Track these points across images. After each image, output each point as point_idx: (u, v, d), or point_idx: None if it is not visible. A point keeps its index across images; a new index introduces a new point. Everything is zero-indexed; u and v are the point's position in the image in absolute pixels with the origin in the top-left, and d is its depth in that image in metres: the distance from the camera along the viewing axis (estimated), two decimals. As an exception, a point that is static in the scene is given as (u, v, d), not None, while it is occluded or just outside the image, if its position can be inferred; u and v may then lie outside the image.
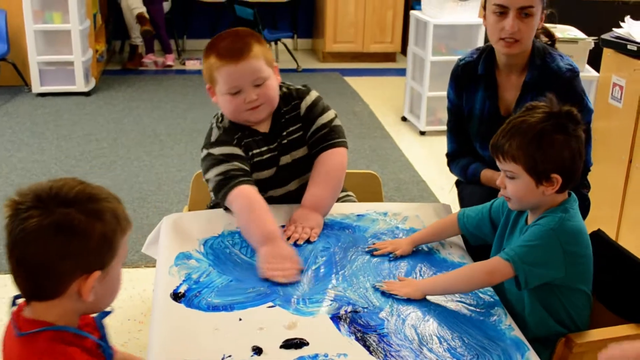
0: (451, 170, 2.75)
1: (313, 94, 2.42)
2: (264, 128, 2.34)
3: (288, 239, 2.15)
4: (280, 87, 2.38)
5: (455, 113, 2.65)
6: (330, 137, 2.36)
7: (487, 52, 2.53)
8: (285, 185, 2.41)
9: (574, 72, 2.41)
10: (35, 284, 1.27)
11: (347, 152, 2.39)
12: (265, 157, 2.34)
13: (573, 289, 1.84)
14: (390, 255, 2.08)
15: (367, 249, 2.13)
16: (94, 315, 1.43)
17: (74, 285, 1.28)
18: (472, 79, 2.55)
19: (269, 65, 2.26)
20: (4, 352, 1.36)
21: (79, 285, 1.28)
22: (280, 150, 2.36)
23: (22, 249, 1.24)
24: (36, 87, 6.33)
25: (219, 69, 2.21)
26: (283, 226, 2.24)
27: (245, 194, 2.19)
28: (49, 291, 1.28)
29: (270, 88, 2.26)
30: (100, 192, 1.33)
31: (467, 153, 2.65)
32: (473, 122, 2.57)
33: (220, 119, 2.35)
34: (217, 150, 2.27)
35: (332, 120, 2.39)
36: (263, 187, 2.34)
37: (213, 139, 2.31)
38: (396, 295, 1.86)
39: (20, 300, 1.36)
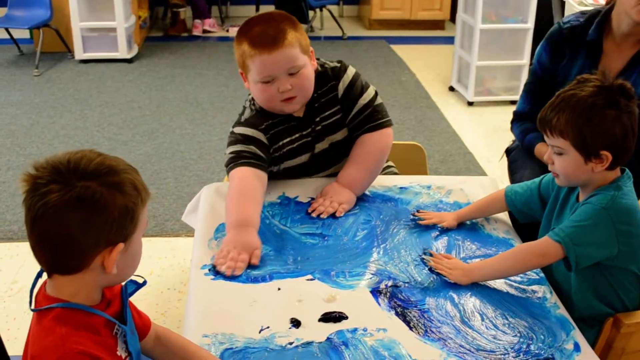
0: (512, 129, 2.71)
1: (350, 72, 2.33)
2: (298, 113, 2.28)
3: (313, 211, 2.16)
4: (319, 67, 2.31)
5: (540, 76, 2.58)
6: (374, 118, 2.30)
7: (600, 17, 2.44)
8: (322, 172, 2.39)
9: None
10: (59, 258, 1.27)
11: (389, 131, 2.33)
12: (296, 144, 2.30)
13: (623, 269, 1.80)
14: (438, 227, 2.08)
15: (411, 216, 2.13)
16: (126, 285, 1.44)
17: (97, 258, 1.28)
18: (576, 44, 2.47)
19: (304, 52, 2.17)
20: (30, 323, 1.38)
21: (103, 258, 1.28)
22: (315, 137, 2.31)
23: (45, 224, 1.23)
24: (79, 54, 6.40)
25: (252, 57, 2.13)
26: (312, 198, 2.25)
27: (243, 177, 2.16)
28: (74, 265, 1.28)
29: (305, 77, 2.18)
30: (118, 164, 1.32)
31: (535, 118, 2.59)
32: (563, 88, 2.51)
33: (254, 100, 2.31)
34: (239, 130, 2.26)
35: (373, 100, 2.32)
36: (298, 175, 2.35)
37: (242, 118, 2.29)
38: (444, 276, 1.84)
39: (44, 277, 1.37)
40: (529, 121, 2.59)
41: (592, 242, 1.74)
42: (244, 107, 2.32)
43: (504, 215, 2.17)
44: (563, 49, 2.50)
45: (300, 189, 2.29)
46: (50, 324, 1.28)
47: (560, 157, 1.79)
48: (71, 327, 1.28)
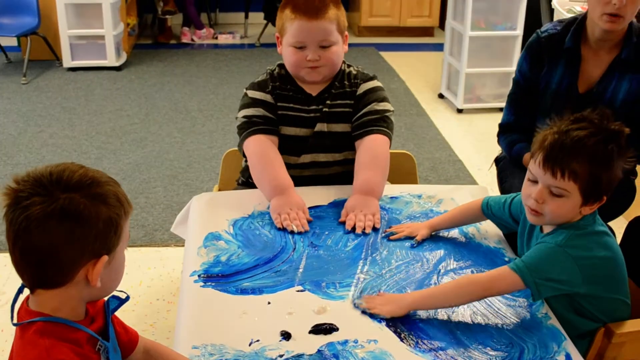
0: (498, 142, 2.72)
1: (378, 83, 2.45)
2: (313, 91, 2.39)
3: (353, 229, 2.11)
4: (350, 66, 2.45)
5: (522, 86, 2.59)
6: (380, 124, 2.36)
7: (576, 26, 2.45)
8: (311, 153, 2.41)
9: None
10: (43, 272, 1.26)
11: (388, 142, 2.37)
12: (298, 114, 2.39)
13: (603, 298, 1.77)
14: (412, 243, 2.06)
15: (384, 233, 2.11)
16: (108, 300, 1.42)
17: (82, 271, 1.27)
18: (555, 52, 2.49)
19: (340, 31, 2.31)
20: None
21: (87, 271, 1.27)
22: (320, 117, 2.38)
23: (27, 238, 1.21)
24: (67, 62, 6.38)
25: (292, 20, 2.27)
26: (316, 207, 2.23)
27: (260, 145, 2.31)
28: (58, 279, 1.27)
29: (334, 53, 2.30)
30: (101, 176, 1.30)
31: (520, 129, 2.60)
32: (546, 96, 2.52)
33: (275, 68, 2.44)
34: (250, 93, 2.39)
35: (387, 111, 2.39)
36: (295, 151, 2.40)
37: (256, 81, 2.43)
38: (378, 315, 1.72)
39: (26, 292, 1.35)
40: (514, 132, 2.60)
41: (550, 277, 1.70)
42: (265, 72, 2.45)
43: (495, 226, 2.16)
44: (542, 58, 2.51)
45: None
46: (33, 337, 1.26)
47: (556, 199, 1.72)
48: (54, 339, 1.27)
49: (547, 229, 1.83)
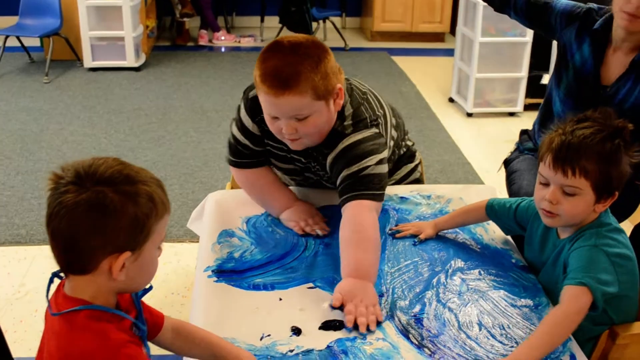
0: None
1: (352, 138, 2.04)
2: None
3: (355, 327, 1.70)
4: (340, 118, 2.06)
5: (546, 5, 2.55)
6: (355, 188, 1.99)
7: (608, 17, 2.41)
8: (306, 187, 2.36)
9: None
10: (67, 258, 1.29)
11: (373, 205, 1.99)
12: (283, 154, 2.20)
13: (621, 296, 1.75)
14: (415, 240, 2.06)
15: (389, 231, 2.11)
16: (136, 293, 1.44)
17: (104, 262, 1.28)
18: (587, 27, 2.44)
19: (319, 97, 1.91)
20: (45, 326, 1.37)
21: (110, 263, 1.28)
22: (303, 169, 2.24)
23: (57, 222, 1.25)
24: (88, 62, 6.40)
25: (260, 90, 1.93)
26: (325, 207, 2.22)
27: (245, 177, 2.25)
28: (81, 266, 1.29)
29: (312, 125, 1.95)
30: (138, 175, 1.31)
31: None
32: (569, 72, 2.47)
33: None
34: (243, 114, 2.17)
35: (363, 168, 2.00)
36: (283, 172, 2.33)
37: (250, 94, 2.15)
38: None
39: (58, 280, 1.37)
40: None
41: (603, 279, 1.67)
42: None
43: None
44: (575, 19, 2.46)
45: (305, 199, 2.28)
46: (86, 322, 1.29)
47: (570, 198, 1.70)
48: (107, 323, 1.30)
49: (564, 234, 1.82)
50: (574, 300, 1.64)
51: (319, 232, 2.10)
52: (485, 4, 2.76)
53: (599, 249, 1.70)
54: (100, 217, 1.24)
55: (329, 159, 2.07)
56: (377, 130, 2.08)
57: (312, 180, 2.30)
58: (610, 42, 2.39)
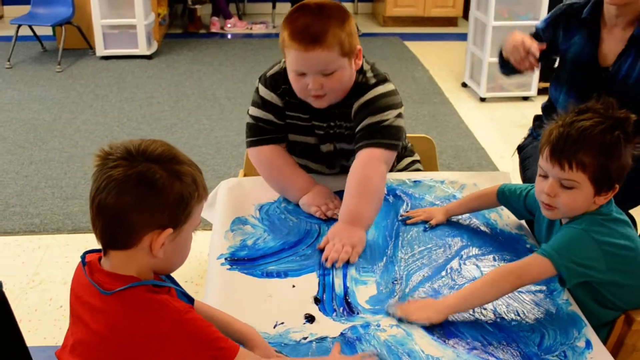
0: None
1: (377, 91, 2.16)
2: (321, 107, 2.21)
3: (326, 260, 1.87)
4: (360, 72, 2.18)
5: (533, 35, 2.54)
6: (371, 136, 2.11)
7: (595, 1, 2.42)
8: (321, 164, 2.37)
9: None
10: (111, 231, 1.32)
11: (384, 154, 2.10)
12: (305, 124, 2.26)
13: (624, 285, 1.73)
14: (426, 225, 2.05)
15: (400, 217, 2.10)
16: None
17: (146, 238, 1.31)
18: (572, 20, 2.46)
19: (344, 54, 2.04)
20: (78, 310, 1.38)
21: (151, 239, 1.31)
22: (324, 137, 2.28)
23: (105, 195, 1.28)
24: (100, 50, 6.41)
25: (288, 48, 2.04)
26: (341, 191, 2.22)
27: (263, 155, 2.25)
28: (123, 240, 1.32)
29: (337, 80, 2.07)
30: (183, 157, 1.38)
31: None
32: (566, 66, 2.50)
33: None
34: (262, 90, 2.24)
35: (384, 120, 2.12)
36: (304, 154, 2.34)
37: (269, 73, 2.25)
38: (416, 321, 1.64)
39: (91, 256, 1.40)
40: None
41: (578, 261, 1.66)
42: (280, 61, 2.26)
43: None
44: (558, 23, 2.50)
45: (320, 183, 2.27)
46: (146, 296, 1.32)
47: (569, 191, 1.68)
48: (165, 295, 1.35)
49: (565, 221, 1.80)
50: (525, 265, 1.69)
51: (335, 216, 2.08)
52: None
53: (586, 234, 1.68)
54: (148, 192, 1.29)
55: (355, 106, 2.16)
56: (394, 87, 2.21)
57: (329, 152, 2.31)
58: (604, 23, 2.38)
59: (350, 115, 2.19)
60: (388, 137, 2.11)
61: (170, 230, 1.32)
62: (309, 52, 2.00)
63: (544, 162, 1.71)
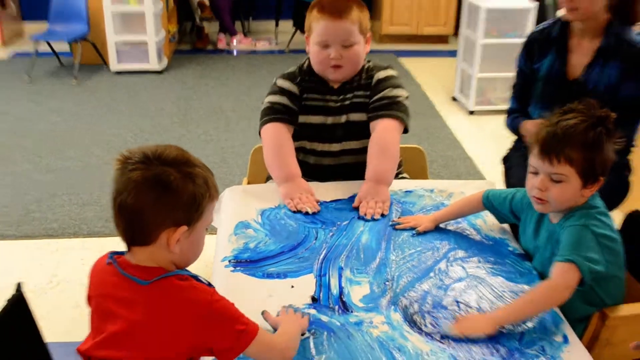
0: (506, 123, 2.76)
1: (392, 72, 2.43)
2: (335, 84, 2.40)
3: (364, 216, 2.14)
4: (369, 61, 2.42)
5: (521, 76, 2.66)
6: (391, 108, 2.33)
7: (561, 21, 2.48)
8: (328, 142, 2.42)
9: None
10: (131, 228, 1.38)
11: (399, 126, 2.33)
12: (320, 103, 2.40)
13: (608, 277, 1.77)
14: (413, 232, 2.07)
15: (390, 223, 2.12)
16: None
17: (163, 235, 1.37)
18: (545, 43, 2.52)
19: (362, 32, 2.30)
20: (103, 304, 1.43)
21: (168, 235, 1.37)
22: (338, 109, 2.39)
23: (125, 196, 1.34)
24: (113, 66, 6.44)
25: (317, 20, 2.27)
26: (336, 200, 2.25)
27: (275, 132, 2.34)
28: (142, 237, 1.38)
29: (355, 53, 2.30)
30: (195, 161, 1.43)
31: (523, 112, 2.67)
32: (537, 82, 2.55)
33: (305, 61, 2.44)
34: (280, 82, 2.42)
35: (398, 96, 2.36)
36: (312, 136, 2.42)
37: (287, 72, 2.44)
38: (472, 335, 1.60)
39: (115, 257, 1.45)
40: (517, 113, 2.67)
41: (590, 256, 1.69)
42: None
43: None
44: (533, 50, 2.56)
45: (316, 191, 2.30)
46: (179, 283, 1.39)
47: (558, 185, 1.74)
48: (193, 281, 1.41)
49: (555, 219, 1.84)
50: (561, 275, 1.67)
51: (309, 210, 2.17)
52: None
53: (587, 229, 1.72)
54: (163, 192, 1.34)
55: (376, 78, 2.38)
56: None
57: (339, 126, 2.40)
58: (572, 39, 2.43)
59: (360, 88, 2.38)
60: (403, 111, 2.34)
61: (184, 228, 1.38)
62: (335, 22, 2.24)
63: (534, 160, 1.77)
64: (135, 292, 1.39)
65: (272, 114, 2.37)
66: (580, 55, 2.42)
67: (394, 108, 2.33)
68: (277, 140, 2.34)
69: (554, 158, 1.72)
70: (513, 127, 2.68)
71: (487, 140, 5.00)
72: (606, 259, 1.73)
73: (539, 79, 2.52)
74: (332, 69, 2.32)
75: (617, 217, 2.25)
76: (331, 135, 2.42)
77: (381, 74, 2.39)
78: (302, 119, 2.41)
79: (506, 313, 1.65)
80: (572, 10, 2.34)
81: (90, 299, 1.48)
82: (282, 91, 2.39)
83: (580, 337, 1.74)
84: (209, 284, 1.46)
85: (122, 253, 1.45)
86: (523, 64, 2.62)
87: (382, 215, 2.15)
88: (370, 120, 2.35)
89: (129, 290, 1.39)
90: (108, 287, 1.43)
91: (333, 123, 2.41)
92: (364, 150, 2.35)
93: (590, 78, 2.37)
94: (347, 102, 2.39)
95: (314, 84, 2.40)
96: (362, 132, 2.38)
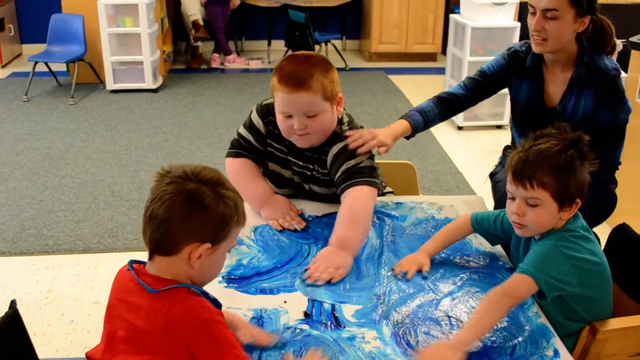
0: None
1: (344, 142, 2.17)
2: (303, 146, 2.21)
3: (308, 278, 1.85)
4: (339, 123, 2.20)
5: (482, 75, 2.54)
6: (354, 177, 2.12)
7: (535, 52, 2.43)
8: (294, 189, 2.35)
9: (618, 71, 2.31)
10: (158, 237, 1.38)
11: (371, 191, 2.11)
12: (282, 155, 2.28)
13: (588, 298, 1.74)
14: (424, 274, 1.90)
15: (394, 273, 1.92)
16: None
17: (186, 248, 1.38)
18: (519, 70, 2.45)
19: (327, 99, 2.08)
20: (113, 312, 1.44)
21: (190, 250, 1.38)
22: (301, 175, 2.29)
23: (158, 205, 1.36)
24: (110, 85, 6.42)
25: (276, 90, 2.08)
26: (330, 214, 2.21)
27: (238, 165, 2.29)
28: (167, 247, 1.39)
29: (320, 122, 2.10)
30: (229, 185, 1.45)
31: (459, 104, 2.68)
32: (517, 110, 2.51)
33: None
34: (254, 116, 2.29)
35: (359, 163, 2.14)
36: (280, 184, 2.33)
37: (265, 102, 2.28)
38: None
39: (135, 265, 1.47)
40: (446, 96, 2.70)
41: (553, 275, 1.67)
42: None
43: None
44: (509, 70, 2.48)
45: (307, 206, 2.27)
46: (187, 296, 1.39)
47: (534, 209, 1.70)
48: (202, 297, 1.42)
49: (537, 237, 1.80)
50: (512, 285, 1.67)
51: (297, 227, 2.13)
52: None
53: (556, 249, 1.69)
54: (195, 208, 1.37)
55: (330, 155, 2.18)
56: None
57: (301, 188, 2.32)
58: (546, 68, 2.40)
59: (326, 162, 2.20)
60: (367, 175, 2.13)
61: (208, 245, 1.39)
62: (294, 95, 2.04)
63: (509, 185, 1.74)
64: (143, 298, 1.39)
65: (239, 148, 2.31)
66: (555, 85, 2.39)
67: (356, 176, 2.12)
68: (240, 170, 2.28)
69: (527, 182, 1.68)
70: (420, 107, 2.71)
71: (475, 155, 4.99)
72: (582, 282, 1.69)
73: (518, 109, 2.49)
74: (297, 136, 2.14)
75: (604, 230, 2.24)
76: (296, 187, 2.33)
77: (336, 148, 2.16)
78: (270, 165, 2.32)
79: (467, 333, 1.59)
80: (541, 42, 2.28)
81: (109, 301, 1.49)
82: (251, 127, 2.28)
83: (571, 351, 1.71)
84: (217, 305, 1.45)
85: (143, 262, 1.46)
86: (490, 68, 2.52)
87: (329, 282, 1.84)
88: (340, 193, 2.14)
89: (138, 296, 1.40)
90: (123, 292, 1.45)
91: (297, 182, 2.31)
92: (333, 196, 2.24)
93: (566, 107, 2.34)
94: (309, 174, 2.26)
95: (279, 134, 2.21)
96: (327, 197, 2.28)
